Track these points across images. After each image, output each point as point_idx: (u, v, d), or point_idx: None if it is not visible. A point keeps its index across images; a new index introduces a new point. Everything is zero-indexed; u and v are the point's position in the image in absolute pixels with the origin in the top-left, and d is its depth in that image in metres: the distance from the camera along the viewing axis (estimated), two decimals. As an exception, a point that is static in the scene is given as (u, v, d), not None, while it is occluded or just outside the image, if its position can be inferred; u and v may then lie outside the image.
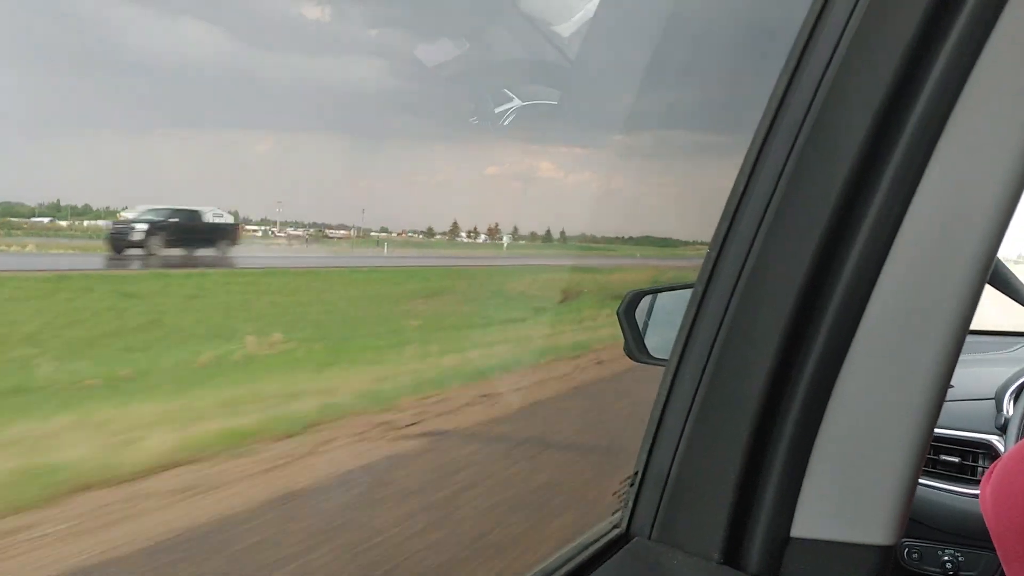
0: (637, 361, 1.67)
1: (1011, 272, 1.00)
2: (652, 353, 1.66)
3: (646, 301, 1.76)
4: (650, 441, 0.86)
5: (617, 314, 1.73)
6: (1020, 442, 0.86)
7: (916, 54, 0.74)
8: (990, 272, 0.75)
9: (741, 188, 0.82)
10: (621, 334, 1.65)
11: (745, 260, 0.80)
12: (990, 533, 0.83)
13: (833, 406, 0.78)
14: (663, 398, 0.86)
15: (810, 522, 0.79)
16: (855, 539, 0.78)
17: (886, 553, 0.78)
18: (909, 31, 0.74)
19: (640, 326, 1.74)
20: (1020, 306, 1.06)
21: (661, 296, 1.77)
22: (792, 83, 0.80)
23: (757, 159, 0.82)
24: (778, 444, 0.79)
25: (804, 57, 0.80)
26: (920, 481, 1.96)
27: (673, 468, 0.83)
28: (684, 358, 0.85)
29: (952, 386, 2.09)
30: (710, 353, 0.82)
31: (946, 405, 2.10)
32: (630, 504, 0.86)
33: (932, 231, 0.74)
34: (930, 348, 0.75)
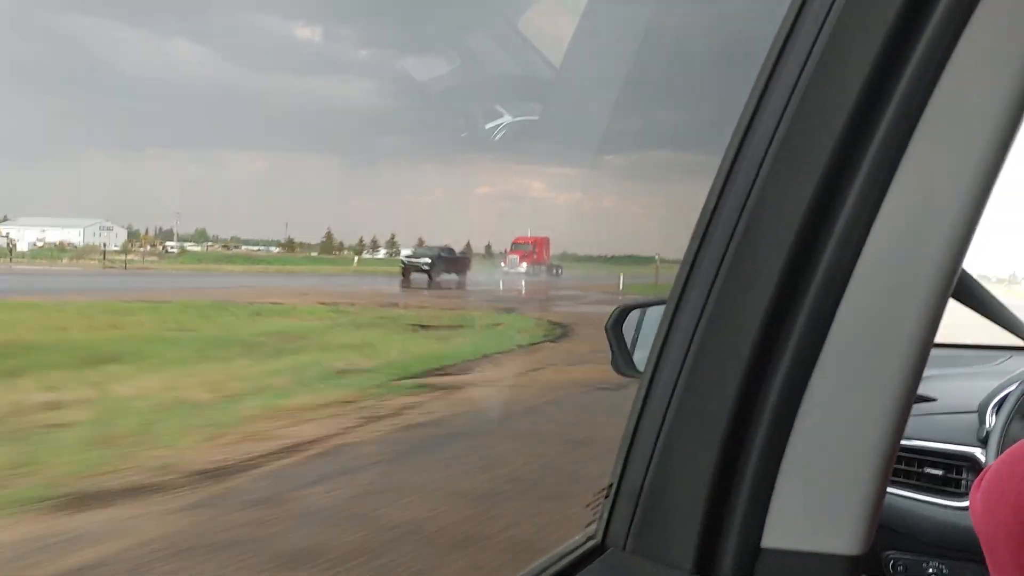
0: (624, 375, 1.69)
1: (979, 285, 1.02)
2: (639, 367, 1.68)
3: (634, 316, 1.78)
4: (624, 453, 0.87)
5: (605, 329, 1.75)
6: (1011, 448, 0.87)
7: (882, 74, 0.76)
8: (954, 285, 0.78)
9: (712, 205, 0.85)
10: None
11: (716, 274, 0.82)
12: (980, 540, 0.84)
13: (801, 417, 0.79)
14: (637, 410, 0.88)
15: (780, 532, 0.80)
16: (824, 549, 0.79)
17: (855, 563, 0.79)
18: (872, 53, 0.76)
19: (628, 341, 1.76)
20: (988, 320, 1.09)
21: (651, 310, 1.79)
22: (760, 104, 0.83)
23: (727, 176, 0.84)
24: (749, 455, 0.80)
25: (772, 78, 0.83)
26: (904, 493, 1.98)
27: (647, 480, 0.85)
28: (657, 371, 0.86)
29: (935, 399, 2.12)
30: (682, 366, 0.83)
31: (929, 418, 2.13)
32: (605, 515, 0.88)
33: (897, 246, 0.76)
34: (896, 359, 0.76)
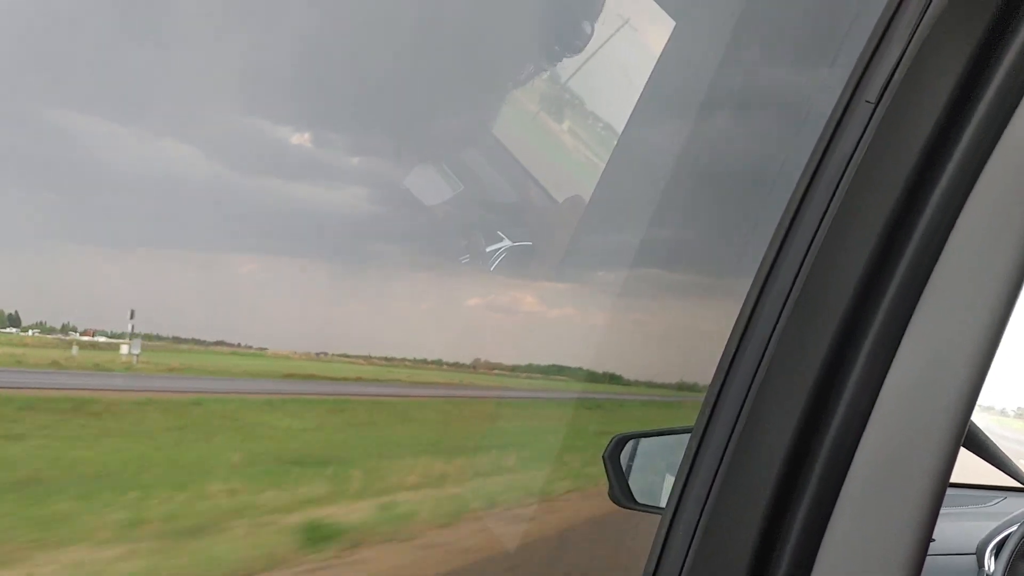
0: (622, 507, 1.66)
1: (980, 430, 1.06)
2: (637, 499, 1.66)
3: (630, 446, 1.78)
4: None
5: (602, 458, 1.74)
6: None
7: (894, 229, 0.82)
8: (965, 434, 0.81)
9: (734, 347, 0.88)
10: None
11: (738, 414, 0.85)
12: None
13: (820, 562, 0.80)
14: (658, 549, 0.87)
15: None
16: None
17: None
18: (886, 209, 0.82)
19: (625, 470, 1.75)
20: (990, 464, 1.12)
21: (645, 441, 1.79)
22: (778, 257, 0.87)
23: (748, 322, 0.88)
24: None
25: (790, 231, 0.88)
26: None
27: None
28: (680, 507, 0.87)
29: (933, 539, 2.09)
30: (705, 503, 0.84)
31: (928, 559, 2.07)
32: None
33: (911, 395, 0.80)
34: (911, 506, 0.78)
